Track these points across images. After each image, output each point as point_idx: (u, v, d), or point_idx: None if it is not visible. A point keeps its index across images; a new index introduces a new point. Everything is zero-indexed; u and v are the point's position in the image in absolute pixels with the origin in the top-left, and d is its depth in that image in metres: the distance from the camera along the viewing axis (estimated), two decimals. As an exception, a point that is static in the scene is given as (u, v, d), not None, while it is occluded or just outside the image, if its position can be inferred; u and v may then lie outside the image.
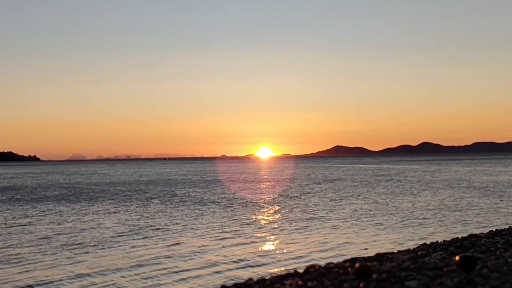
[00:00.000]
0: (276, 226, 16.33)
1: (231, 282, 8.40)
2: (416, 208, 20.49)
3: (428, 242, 7.71)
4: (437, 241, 7.72)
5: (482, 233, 8.98)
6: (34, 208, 23.20)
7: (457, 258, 4.89)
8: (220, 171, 73.83)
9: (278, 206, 22.58)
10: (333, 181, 42.33)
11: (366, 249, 12.05)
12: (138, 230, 15.62)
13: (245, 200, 25.55)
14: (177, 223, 17.13)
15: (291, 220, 17.66)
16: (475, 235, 8.38)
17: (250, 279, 4.67)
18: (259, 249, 12.35)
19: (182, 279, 9.44)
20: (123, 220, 18.10)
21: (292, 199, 25.97)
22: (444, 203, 22.54)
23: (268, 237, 14.14)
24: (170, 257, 11.48)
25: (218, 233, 14.91)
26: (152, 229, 15.77)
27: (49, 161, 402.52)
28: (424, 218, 17.43)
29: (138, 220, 18.18)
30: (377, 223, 16.41)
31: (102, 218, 18.96)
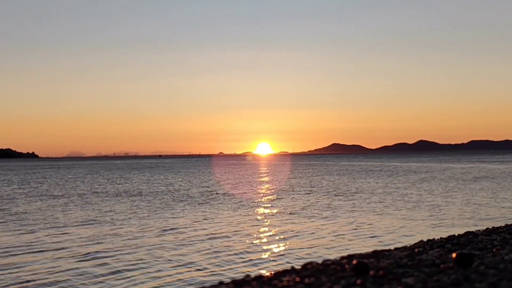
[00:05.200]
0: (273, 222, 16.34)
1: (229, 278, 8.40)
2: (412, 206, 20.52)
3: (424, 239, 7.72)
4: (434, 238, 7.73)
5: (479, 230, 8.99)
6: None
7: (454, 255, 4.89)
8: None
9: (274, 203, 22.58)
10: (331, 179, 42.37)
11: (363, 246, 12.08)
12: (136, 227, 15.62)
13: (241, 197, 25.55)
14: (175, 221, 17.12)
15: (287, 216, 17.67)
16: (471, 233, 8.39)
17: (248, 275, 4.66)
18: (256, 246, 12.35)
19: (179, 276, 9.43)
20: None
21: (289, 196, 25.98)
22: (440, 200, 22.58)
23: (265, 234, 14.15)
24: (167, 254, 11.47)
25: (214, 229, 14.91)
26: (146, 229, 15.78)
27: (47, 158, 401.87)
28: (420, 216, 17.46)
29: (134, 216, 18.18)
30: (374, 220, 16.43)
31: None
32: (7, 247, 12.54)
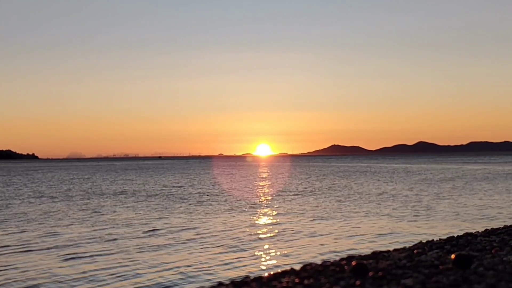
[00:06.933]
0: (271, 223, 16.34)
1: (228, 279, 8.40)
2: (410, 207, 20.54)
3: (423, 240, 7.73)
4: (433, 240, 7.74)
5: (478, 231, 9.00)
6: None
7: (453, 256, 4.90)
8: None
9: (272, 204, 22.58)
10: (329, 180, 42.36)
11: (362, 247, 12.09)
12: (135, 227, 15.61)
13: (239, 198, 25.55)
14: (175, 221, 17.12)
15: (285, 217, 17.67)
16: (470, 234, 8.39)
17: (247, 276, 4.67)
18: (255, 246, 12.36)
19: (177, 276, 9.44)
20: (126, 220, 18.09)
21: (286, 197, 25.97)
22: (439, 201, 22.59)
23: (263, 235, 14.15)
24: (164, 254, 11.48)
25: (212, 230, 14.91)
26: (145, 230, 15.76)
27: (47, 159, 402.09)
28: (419, 217, 17.48)
29: (134, 217, 18.17)
30: (372, 222, 16.44)
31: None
32: None
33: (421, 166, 75.68)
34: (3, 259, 11.23)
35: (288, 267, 5.24)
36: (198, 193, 29.78)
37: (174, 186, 36.52)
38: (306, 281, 4.29)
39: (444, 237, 8.53)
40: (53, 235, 14.60)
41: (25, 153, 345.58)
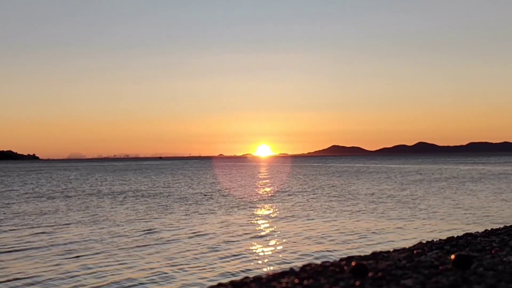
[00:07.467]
0: (270, 224, 16.33)
1: (227, 280, 8.39)
2: (410, 207, 20.53)
3: (423, 240, 7.72)
4: (433, 240, 7.73)
5: (478, 232, 8.99)
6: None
7: (452, 256, 4.89)
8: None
9: (271, 204, 22.57)
10: (328, 180, 42.36)
11: (362, 247, 12.08)
12: (134, 227, 15.61)
13: (238, 199, 25.53)
14: (173, 221, 17.11)
15: (285, 218, 17.66)
16: (470, 234, 8.38)
17: (247, 277, 4.66)
18: (254, 247, 12.35)
19: (176, 277, 9.43)
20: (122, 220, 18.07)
21: (285, 197, 25.96)
22: (437, 201, 22.59)
23: (263, 235, 14.14)
24: (165, 254, 11.46)
25: (211, 231, 14.89)
26: (143, 229, 15.76)
27: (48, 159, 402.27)
28: (418, 217, 17.47)
29: (132, 218, 18.15)
30: (371, 222, 16.44)
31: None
32: None
33: (420, 167, 75.69)
34: (0, 258, 11.22)
35: (287, 268, 5.24)
36: (197, 193, 29.77)
37: (173, 187, 36.51)
38: (305, 282, 4.28)
39: (444, 237, 8.52)
40: (50, 234, 14.58)
41: (25, 153, 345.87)
